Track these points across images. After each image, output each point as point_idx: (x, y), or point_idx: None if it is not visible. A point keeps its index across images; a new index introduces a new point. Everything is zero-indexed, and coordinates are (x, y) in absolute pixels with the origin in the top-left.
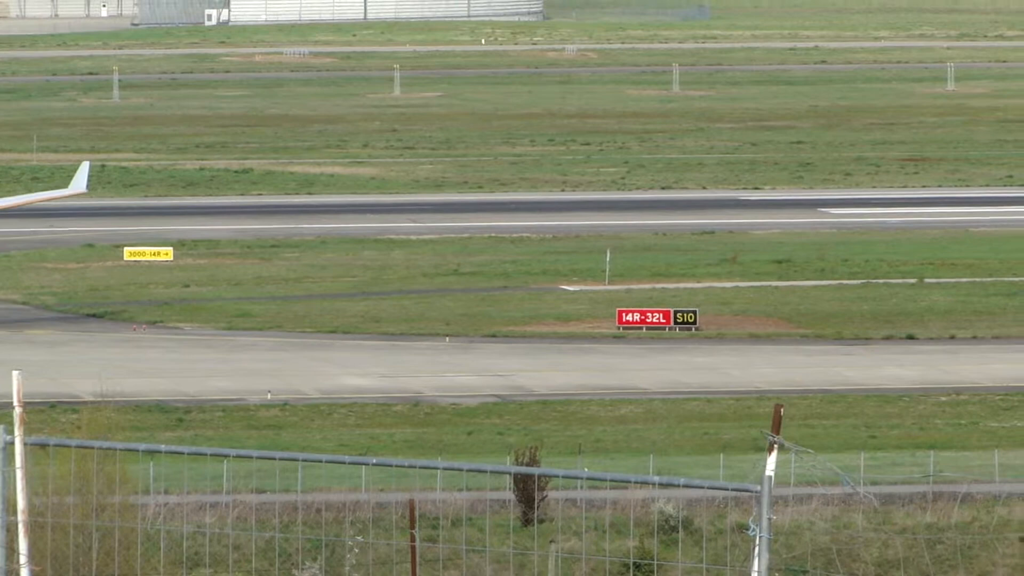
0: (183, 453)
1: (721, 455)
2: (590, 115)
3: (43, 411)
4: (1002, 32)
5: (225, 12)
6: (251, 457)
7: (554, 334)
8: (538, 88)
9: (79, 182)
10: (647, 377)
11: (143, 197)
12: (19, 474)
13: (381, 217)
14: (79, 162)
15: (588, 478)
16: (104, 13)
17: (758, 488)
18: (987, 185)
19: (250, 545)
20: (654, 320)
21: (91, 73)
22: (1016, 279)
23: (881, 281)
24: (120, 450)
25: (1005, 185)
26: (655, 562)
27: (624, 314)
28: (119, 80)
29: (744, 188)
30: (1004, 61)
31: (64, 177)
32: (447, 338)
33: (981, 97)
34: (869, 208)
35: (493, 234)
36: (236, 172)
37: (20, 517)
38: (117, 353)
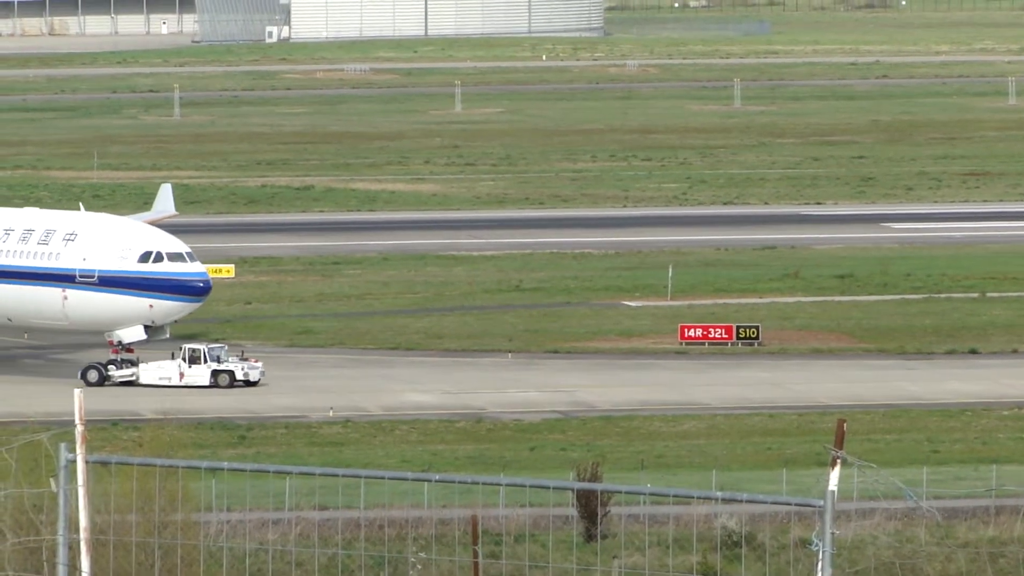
0: (245, 470)
1: (784, 470)
2: (651, 130)
3: (105, 429)
4: None
5: (286, 29)
6: (314, 474)
7: (616, 350)
8: (599, 104)
9: (164, 204)
10: (709, 392)
11: (205, 214)
12: (81, 492)
13: (443, 233)
14: (140, 180)
15: (651, 494)
16: (164, 30)
17: (821, 503)
18: None
19: (313, 562)
20: (716, 335)
21: (152, 90)
22: None
23: (943, 295)
24: (182, 467)
25: None
26: None
27: (686, 329)
28: (180, 97)
29: (806, 203)
30: None
31: (125, 195)
32: (509, 354)
33: None
34: (931, 223)
35: (555, 250)
36: (298, 189)
37: (82, 535)
38: None
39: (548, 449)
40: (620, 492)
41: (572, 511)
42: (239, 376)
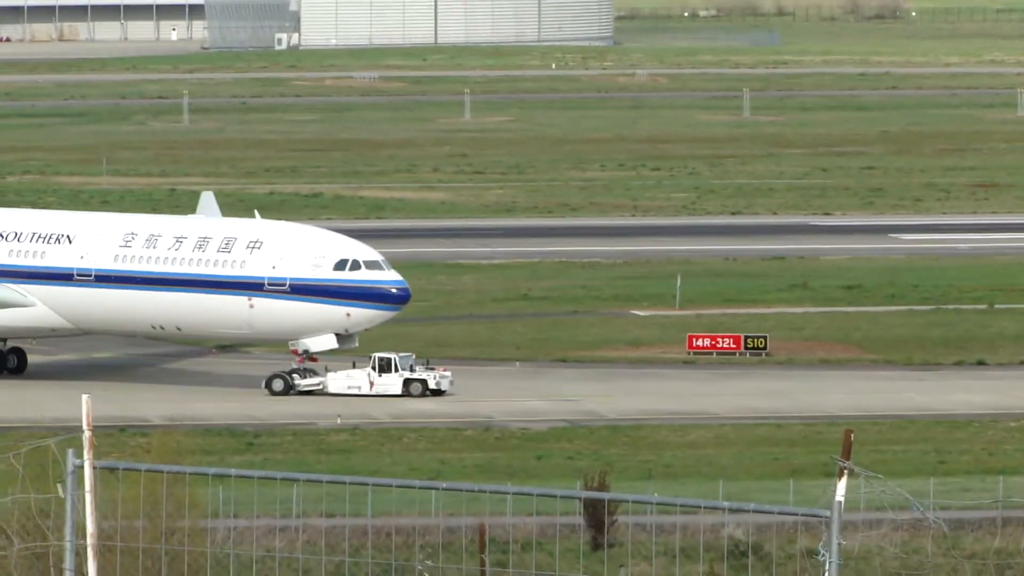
0: (253, 477)
1: (791, 480)
2: (660, 140)
3: (112, 435)
4: None
5: (295, 36)
6: (321, 481)
7: (624, 359)
8: (608, 113)
9: (211, 212)
10: (717, 402)
11: None
12: (88, 498)
13: (451, 242)
14: (149, 186)
15: (658, 503)
16: (174, 37)
17: (828, 513)
18: None
19: (320, 569)
20: (724, 345)
21: (161, 97)
22: None
23: (951, 307)
24: (189, 474)
25: None
26: None
27: (694, 339)
28: (189, 104)
29: (814, 213)
30: None
31: (133, 201)
32: (517, 363)
33: None
34: (940, 234)
35: (563, 259)
36: (306, 196)
37: (89, 541)
38: (188, 377)
39: (555, 458)
40: (627, 501)
41: (579, 520)
42: (432, 385)
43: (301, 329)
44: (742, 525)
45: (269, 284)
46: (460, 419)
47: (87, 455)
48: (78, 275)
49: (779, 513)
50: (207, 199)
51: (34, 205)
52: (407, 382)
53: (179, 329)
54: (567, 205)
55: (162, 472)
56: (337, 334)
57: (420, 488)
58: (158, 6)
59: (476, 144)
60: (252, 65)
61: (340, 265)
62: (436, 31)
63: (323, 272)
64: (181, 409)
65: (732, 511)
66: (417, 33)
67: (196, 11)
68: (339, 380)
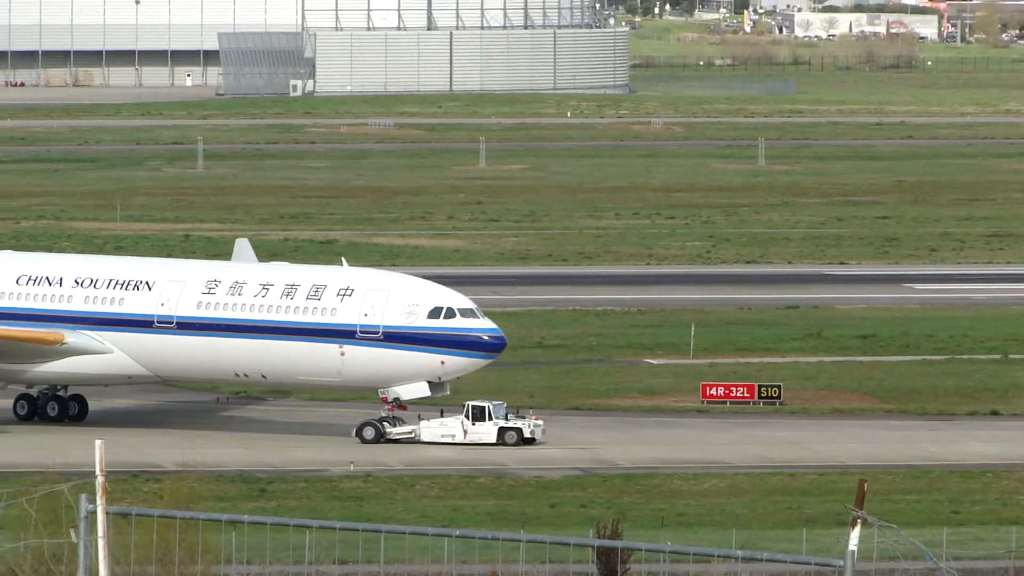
0: (266, 523)
1: (804, 530)
2: (675, 188)
3: (125, 480)
4: None
5: (310, 83)
6: (334, 528)
7: (638, 407)
8: (623, 161)
9: (248, 259)
10: (731, 451)
11: None
12: (101, 543)
13: (466, 289)
14: (163, 232)
15: (671, 552)
16: (189, 83)
17: (841, 563)
18: None
19: None
20: (738, 394)
21: (175, 142)
22: None
23: (965, 357)
24: (202, 520)
25: None
26: None
27: (708, 388)
28: (203, 150)
29: (829, 263)
30: None
31: (148, 246)
32: (531, 410)
33: None
34: (954, 284)
35: (577, 307)
36: (320, 243)
37: None
38: (201, 423)
39: (568, 506)
40: (640, 550)
41: (592, 568)
42: (527, 434)
43: (393, 377)
44: (755, 574)
45: (361, 332)
46: (473, 466)
47: (100, 500)
48: (158, 322)
49: (792, 562)
50: (243, 246)
51: (49, 250)
52: (502, 431)
53: (264, 377)
54: (582, 253)
55: (175, 518)
56: (429, 382)
57: (433, 535)
58: (173, 52)
59: (491, 192)
60: (267, 111)
61: (434, 313)
62: (451, 78)
63: (417, 320)
64: (194, 455)
65: (745, 560)
66: (432, 80)
67: (211, 57)
68: (433, 429)
